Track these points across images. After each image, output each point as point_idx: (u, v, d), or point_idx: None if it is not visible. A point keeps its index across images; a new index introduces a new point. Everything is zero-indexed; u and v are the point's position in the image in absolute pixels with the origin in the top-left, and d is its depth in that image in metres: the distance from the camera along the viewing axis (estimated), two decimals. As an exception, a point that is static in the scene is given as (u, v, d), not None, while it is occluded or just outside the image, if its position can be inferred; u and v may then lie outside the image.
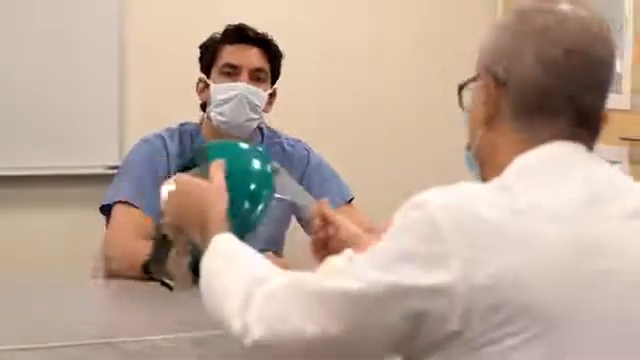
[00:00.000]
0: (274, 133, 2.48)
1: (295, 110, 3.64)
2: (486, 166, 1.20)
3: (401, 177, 3.69)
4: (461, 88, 1.25)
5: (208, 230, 1.37)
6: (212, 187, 1.45)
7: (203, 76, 2.38)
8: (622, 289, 1.05)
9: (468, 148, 1.24)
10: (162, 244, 1.56)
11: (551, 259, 1.03)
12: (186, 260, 1.49)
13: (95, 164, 3.31)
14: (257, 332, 1.12)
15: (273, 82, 2.40)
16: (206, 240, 1.35)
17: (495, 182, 1.11)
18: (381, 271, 1.06)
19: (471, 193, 1.08)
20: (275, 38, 2.39)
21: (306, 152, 2.46)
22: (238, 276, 1.22)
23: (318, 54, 3.81)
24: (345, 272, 1.10)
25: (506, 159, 1.14)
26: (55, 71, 3.37)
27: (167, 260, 1.55)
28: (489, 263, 1.02)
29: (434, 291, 1.03)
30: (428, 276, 1.03)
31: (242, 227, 1.45)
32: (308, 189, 2.41)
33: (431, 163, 3.76)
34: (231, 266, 1.27)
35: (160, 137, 2.36)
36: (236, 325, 1.15)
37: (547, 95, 1.14)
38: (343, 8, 3.86)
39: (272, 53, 2.37)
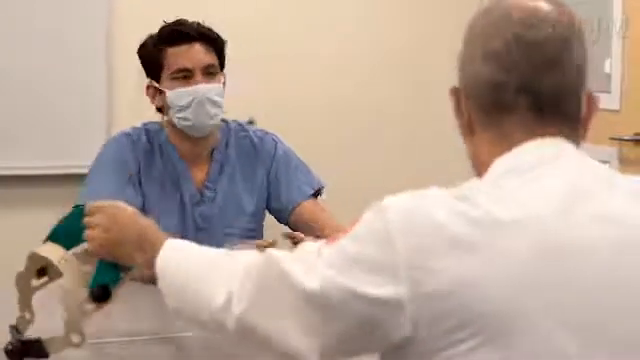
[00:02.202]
0: (241, 127, 2.47)
1: (288, 111, 3.67)
2: (478, 172, 1.19)
3: (392, 179, 3.70)
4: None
5: (151, 241, 1.38)
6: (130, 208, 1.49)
7: (152, 82, 2.34)
8: (584, 294, 1.02)
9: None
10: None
11: (504, 267, 1.01)
12: (83, 292, 1.44)
13: (84, 164, 3.33)
14: (238, 306, 1.15)
15: (221, 67, 2.36)
16: (151, 251, 1.36)
17: (457, 189, 1.09)
18: (338, 272, 1.06)
19: (430, 199, 1.07)
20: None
21: (273, 143, 2.45)
22: (219, 257, 1.27)
23: (315, 56, 3.82)
24: (310, 266, 1.09)
25: (486, 163, 1.15)
26: (44, 73, 3.38)
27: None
28: (439, 271, 1.01)
29: (383, 302, 1.02)
30: (378, 286, 1.03)
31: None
32: (275, 179, 2.42)
33: (422, 164, 3.79)
34: (209, 252, 1.32)
35: (129, 135, 2.36)
36: (220, 296, 1.17)
37: (499, 90, 1.13)
38: (333, 11, 3.88)
39: (216, 43, 2.33)
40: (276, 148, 2.44)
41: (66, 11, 3.40)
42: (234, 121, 2.46)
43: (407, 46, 3.94)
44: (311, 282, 1.07)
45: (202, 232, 2.33)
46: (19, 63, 3.35)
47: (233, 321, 1.15)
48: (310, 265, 1.09)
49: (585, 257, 1.03)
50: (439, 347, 1.01)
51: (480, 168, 1.17)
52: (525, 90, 1.12)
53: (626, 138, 3.31)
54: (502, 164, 1.12)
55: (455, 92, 1.20)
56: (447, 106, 1.24)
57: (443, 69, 3.68)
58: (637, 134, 3.29)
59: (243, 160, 2.41)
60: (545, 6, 1.14)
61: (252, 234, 2.32)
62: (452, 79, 1.26)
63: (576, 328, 1.01)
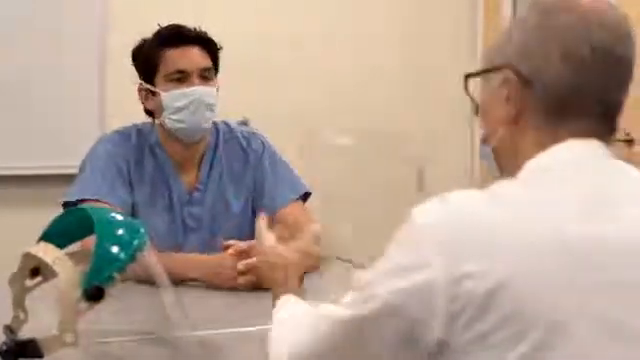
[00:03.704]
0: (229, 128, 2.47)
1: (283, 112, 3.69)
2: (506, 163, 1.19)
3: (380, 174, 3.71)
4: (470, 76, 1.24)
5: (286, 288, 1.53)
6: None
7: (143, 84, 2.34)
8: (617, 297, 1.03)
9: (484, 141, 1.23)
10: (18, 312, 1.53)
11: (530, 266, 1.02)
12: (77, 291, 1.42)
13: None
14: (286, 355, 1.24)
15: (215, 73, 2.37)
16: (281, 293, 1.51)
17: (487, 190, 1.10)
18: (370, 287, 1.09)
19: (460, 202, 1.08)
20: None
21: (261, 146, 2.46)
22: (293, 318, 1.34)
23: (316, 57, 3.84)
24: (348, 297, 1.15)
25: (526, 160, 1.14)
26: (43, 74, 3.40)
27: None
28: (469, 274, 1.02)
29: (417, 289, 1.04)
30: (411, 275, 1.04)
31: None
32: (261, 182, 2.42)
33: (422, 164, 3.81)
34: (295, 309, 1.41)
35: (121, 134, 2.37)
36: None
37: (577, 95, 1.13)
38: (332, 13, 3.90)
39: (212, 48, 2.33)
40: (263, 150, 2.44)
41: (64, 12, 3.42)
42: (222, 122, 2.46)
43: (407, 46, 3.96)
44: (343, 311, 1.13)
45: (191, 232, 2.35)
46: (17, 64, 3.37)
47: None
48: (348, 298, 1.15)
49: (603, 256, 1.05)
50: (472, 349, 1.02)
51: (510, 159, 1.17)
52: (602, 99, 1.14)
53: (617, 138, 3.32)
54: (537, 162, 1.14)
55: (517, 76, 1.16)
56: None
57: (443, 69, 3.75)
58: (628, 134, 3.31)
59: (231, 162, 2.41)
60: (621, 16, 1.16)
61: (242, 235, 2.32)
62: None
63: (601, 324, 1.02)
